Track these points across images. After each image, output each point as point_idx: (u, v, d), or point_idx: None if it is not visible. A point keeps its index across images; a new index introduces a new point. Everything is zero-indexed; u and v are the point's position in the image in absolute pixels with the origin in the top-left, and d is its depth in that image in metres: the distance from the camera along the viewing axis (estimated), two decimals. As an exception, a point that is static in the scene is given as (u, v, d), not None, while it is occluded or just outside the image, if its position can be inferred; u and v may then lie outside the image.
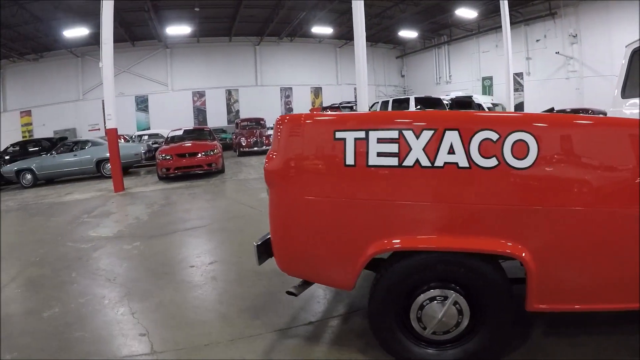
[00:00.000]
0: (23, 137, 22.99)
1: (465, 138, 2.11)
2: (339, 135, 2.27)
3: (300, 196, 2.41)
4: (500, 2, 16.23)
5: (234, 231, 6.10)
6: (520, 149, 2.07)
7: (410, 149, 2.16)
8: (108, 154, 11.61)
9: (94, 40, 19.02)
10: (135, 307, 3.59)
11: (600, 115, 4.37)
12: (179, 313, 3.44)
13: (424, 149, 2.15)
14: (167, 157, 12.19)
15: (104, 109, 11.32)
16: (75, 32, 18.74)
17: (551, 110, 14.86)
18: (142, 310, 3.54)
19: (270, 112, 23.24)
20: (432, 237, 2.23)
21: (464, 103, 16.21)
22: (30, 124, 24.18)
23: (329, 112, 11.45)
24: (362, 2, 11.65)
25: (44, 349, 2.96)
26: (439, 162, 2.14)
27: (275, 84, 27.70)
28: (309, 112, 16.75)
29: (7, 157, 15.48)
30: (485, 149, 2.10)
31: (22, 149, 16.26)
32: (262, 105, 25.97)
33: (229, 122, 26.07)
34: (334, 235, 2.39)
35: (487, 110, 17.05)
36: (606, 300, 2.28)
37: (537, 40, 20.88)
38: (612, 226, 2.14)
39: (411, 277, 2.30)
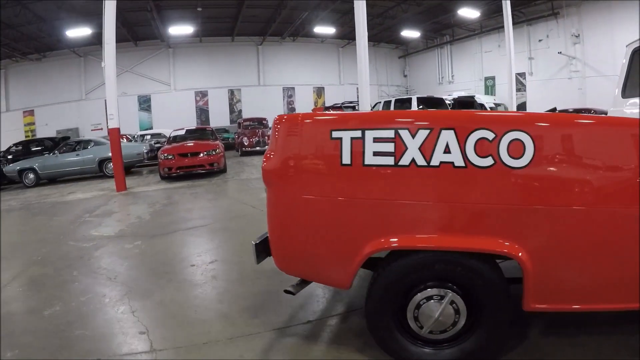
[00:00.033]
0: (26, 136, 23.09)
1: (461, 137, 2.11)
2: (335, 134, 2.28)
3: (298, 195, 2.42)
4: (503, 2, 16.21)
5: (236, 231, 6.11)
6: (516, 148, 2.08)
7: (406, 149, 2.17)
8: (110, 154, 11.66)
9: (97, 40, 19.03)
10: (136, 306, 3.61)
11: (599, 115, 4.35)
12: (178, 312, 3.46)
13: (419, 148, 2.16)
14: (169, 157, 12.22)
15: (106, 108, 11.36)
16: (78, 32, 18.78)
17: (553, 110, 14.82)
18: (142, 308, 3.57)
19: (272, 111, 23.09)
20: (428, 236, 2.24)
21: (466, 103, 16.23)
22: (33, 123, 24.26)
23: (331, 112, 11.45)
24: (364, 2, 11.67)
25: (45, 347, 2.98)
26: (434, 162, 2.14)
27: (277, 83, 27.72)
28: (311, 111, 16.75)
29: (10, 157, 15.54)
30: (481, 148, 2.10)
31: (25, 149, 16.30)
32: (265, 105, 25.98)
33: (232, 121, 26.08)
34: (331, 234, 2.41)
35: (489, 110, 17.03)
36: (605, 300, 2.27)
37: (540, 40, 20.81)
38: (610, 226, 2.14)
39: (408, 276, 2.30)
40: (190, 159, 12.20)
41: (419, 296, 2.31)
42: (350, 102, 21.11)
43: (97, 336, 3.13)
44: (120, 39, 13.03)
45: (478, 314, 2.31)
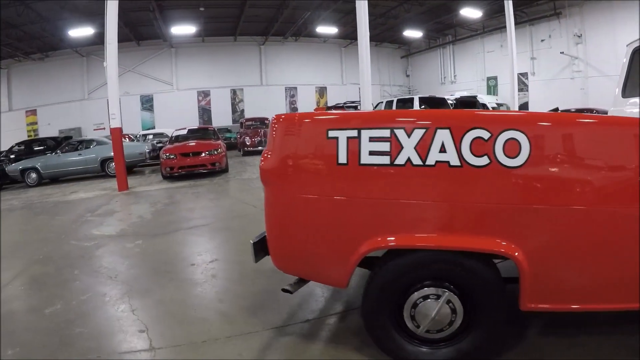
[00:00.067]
0: (28, 136, 23.18)
1: (457, 136, 2.12)
2: (331, 134, 2.29)
3: (295, 195, 2.43)
4: (505, 2, 16.18)
5: (237, 230, 6.13)
6: (512, 148, 2.07)
7: (402, 148, 2.17)
8: (112, 153, 11.69)
9: (100, 39, 19.04)
10: (136, 304, 3.63)
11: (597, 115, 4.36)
12: (178, 310, 3.48)
13: (415, 148, 2.16)
14: (171, 156, 12.24)
15: (108, 108, 11.39)
16: (81, 31, 18.83)
17: (555, 110, 14.74)
18: (142, 307, 3.59)
19: (275, 111, 22.63)
20: (425, 235, 2.25)
21: (468, 103, 16.18)
22: (36, 123, 24.32)
23: (330, 112, 11.44)
24: (366, 2, 11.68)
25: (46, 345, 3.01)
26: (430, 161, 2.14)
27: (280, 83, 27.73)
28: (313, 111, 16.75)
29: (12, 156, 15.59)
30: (477, 147, 2.10)
31: (27, 148, 16.37)
32: (267, 104, 25.96)
33: (234, 121, 26.09)
34: (328, 233, 2.41)
35: (491, 110, 17.00)
36: (604, 300, 2.27)
37: (542, 40, 20.78)
38: (609, 225, 2.13)
39: (405, 275, 2.31)
40: (192, 159, 12.23)
41: (416, 295, 2.31)
42: (353, 102, 21.08)
43: (97, 334, 3.15)
44: (122, 39, 13.08)
45: (475, 313, 2.31)
